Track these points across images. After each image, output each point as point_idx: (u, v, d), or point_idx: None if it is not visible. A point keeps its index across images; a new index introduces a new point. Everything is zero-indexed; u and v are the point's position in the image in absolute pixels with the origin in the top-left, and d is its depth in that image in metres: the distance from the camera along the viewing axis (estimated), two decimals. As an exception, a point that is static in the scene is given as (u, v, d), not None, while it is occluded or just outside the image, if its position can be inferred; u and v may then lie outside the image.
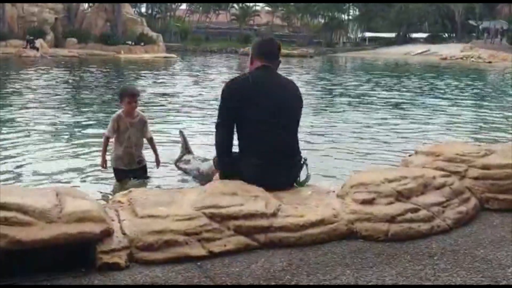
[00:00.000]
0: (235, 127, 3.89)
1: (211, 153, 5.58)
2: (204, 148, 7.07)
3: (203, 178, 5.77)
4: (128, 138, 5.79)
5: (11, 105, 12.90)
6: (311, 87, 20.31)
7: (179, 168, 6.54)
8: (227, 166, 3.95)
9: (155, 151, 6.13)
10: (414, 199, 3.53)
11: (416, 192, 3.59)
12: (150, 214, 3.11)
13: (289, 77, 4.38)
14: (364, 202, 3.43)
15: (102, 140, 5.98)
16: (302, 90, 4.22)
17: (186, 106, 13.57)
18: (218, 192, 3.41)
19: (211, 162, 5.64)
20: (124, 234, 2.97)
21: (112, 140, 5.88)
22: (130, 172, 5.86)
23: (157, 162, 6.16)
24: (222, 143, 3.93)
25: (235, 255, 2.98)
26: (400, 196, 3.51)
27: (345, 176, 4.34)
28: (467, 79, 26.90)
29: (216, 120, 3.94)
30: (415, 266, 2.85)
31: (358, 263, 2.90)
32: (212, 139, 4.07)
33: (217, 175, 4.15)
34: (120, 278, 2.67)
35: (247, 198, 3.33)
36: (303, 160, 4.08)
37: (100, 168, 5.96)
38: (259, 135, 3.83)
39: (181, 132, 7.22)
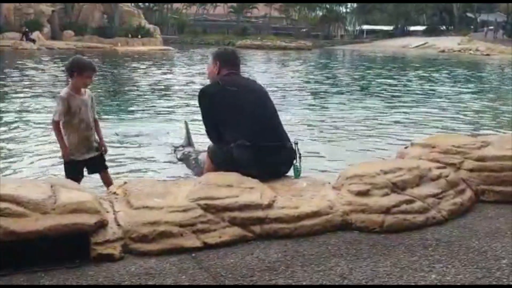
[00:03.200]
0: (221, 127, 4.17)
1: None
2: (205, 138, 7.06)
3: (200, 170, 5.77)
4: (81, 120, 4.69)
5: (7, 98, 12.86)
6: (306, 80, 20.29)
7: (179, 159, 6.53)
8: (221, 153, 4.17)
9: (99, 132, 4.95)
10: (409, 191, 3.53)
11: (411, 183, 3.58)
12: (145, 206, 3.11)
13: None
14: (359, 193, 3.43)
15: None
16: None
17: (184, 97, 13.54)
18: (213, 183, 3.41)
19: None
20: (118, 225, 2.97)
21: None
22: (90, 161, 4.81)
23: (104, 146, 4.95)
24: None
25: (230, 246, 2.98)
26: (395, 187, 3.50)
27: (341, 168, 4.31)
28: (464, 71, 26.88)
29: (205, 129, 4.32)
30: (409, 257, 2.85)
31: (352, 254, 2.90)
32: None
33: (208, 162, 4.34)
34: (115, 269, 2.67)
35: (242, 190, 3.33)
36: (293, 144, 4.14)
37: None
38: (243, 126, 4.08)
39: (185, 123, 7.23)
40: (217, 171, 4.23)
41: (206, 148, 6.31)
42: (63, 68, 5.41)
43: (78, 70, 4.63)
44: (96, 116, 4.94)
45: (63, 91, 4.72)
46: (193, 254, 2.87)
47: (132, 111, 11.51)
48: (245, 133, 4.02)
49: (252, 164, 3.84)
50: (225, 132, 4.14)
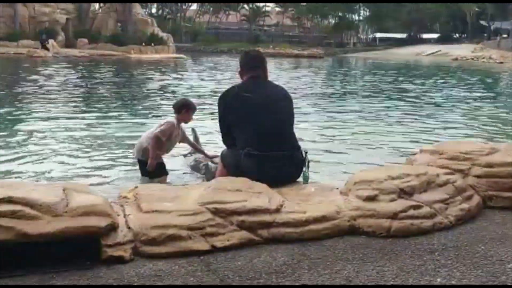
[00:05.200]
0: (233, 133, 4.22)
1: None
2: (215, 146, 7.12)
3: (209, 175, 5.83)
4: (169, 148, 6.05)
5: (23, 104, 13.02)
6: (316, 86, 20.32)
7: (191, 167, 6.58)
8: (231, 158, 4.22)
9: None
10: (416, 196, 3.56)
11: (419, 189, 3.61)
12: (155, 209, 3.17)
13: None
14: (367, 198, 3.46)
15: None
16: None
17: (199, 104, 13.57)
18: (222, 188, 3.46)
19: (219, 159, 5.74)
20: (129, 228, 3.03)
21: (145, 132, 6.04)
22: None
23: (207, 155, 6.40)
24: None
25: (238, 249, 3.03)
26: (403, 193, 3.53)
27: (350, 173, 4.35)
28: (477, 79, 26.79)
29: (221, 138, 4.42)
30: (415, 261, 2.88)
31: (359, 258, 2.94)
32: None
33: (221, 167, 4.44)
34: (125, 271, 2.72)
35: (250, 194, 3.37)
36: (303, 153, 4.16)
37: (107, 165, 6.00)
38: (252, 134, 4.10)
39: (193, 130, 7.28)
40: (228, 175, 4.31)
41: (215, 153, 6.43)
42: (172, 105, 6.26)
43: (181, 107, 5.98)
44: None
45: (172, 120, 5.96)
46: (202, 257, 2.92)
47: (141, 115, 11.60)
48: (253, 141, 4.05)
49: (258, 173, 3.82)
50: (237, 138, 4.19)
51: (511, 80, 27.33)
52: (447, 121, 11.54)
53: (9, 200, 2.81)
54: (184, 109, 5.98)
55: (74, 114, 11.46)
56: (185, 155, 7.00)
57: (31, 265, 2.73)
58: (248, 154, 4.01)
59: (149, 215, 3.13)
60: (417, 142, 8.46)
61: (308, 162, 4.10)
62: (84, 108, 12.86)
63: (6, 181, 3.39)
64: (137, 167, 6.03)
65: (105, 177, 6.02)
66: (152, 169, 5.79)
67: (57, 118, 10.70)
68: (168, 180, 5.91)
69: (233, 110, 4.19)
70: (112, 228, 2.93)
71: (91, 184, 5.16)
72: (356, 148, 7.82)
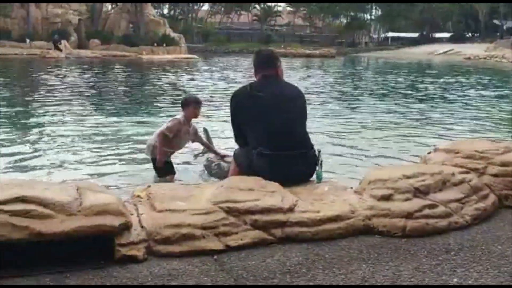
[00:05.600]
0: (246, 132, 4.20)
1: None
2: (226, 145, 7.11)
3: (222, 174, 5.82)
4: (178, 145, 6.08)
5: (36, 104, 13.09)
6: (329, 85, 20.24)
7: (204, 166, 6.57)
8: (244, 158, 4.22)
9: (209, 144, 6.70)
10: (432, 196, 3.52)
11: (434, 188, 3.57)
12: (168, 208, 3.16)
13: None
14: (382, 198, 3.43)
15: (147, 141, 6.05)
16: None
17: (212, 103, 13.57)
18: (235, 187, 3.44)
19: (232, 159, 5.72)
20: (142, 227, 3.02)
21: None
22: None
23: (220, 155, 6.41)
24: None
25: (251, 249, 3.01)
26: (418, 192, 3.50)
27: (364, 170, 4.31)
28: (490, 78, 26.58)
29: (234, 137, 4.41)
30: (431, 261, 2.85)
31: (374, 258, 2.91)
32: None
33: (233, 166, 4.45)
34: (138, 270, 2.72)
35: (264, 193, 3.35)
36: (316, 152, 4.13)
37: (120, 163, 6.01)
38: (264, 133, 4.08)
39: (205, 130, 7.27)
40: (241, 174, 4.29)
41: (227, 153, 6.42)
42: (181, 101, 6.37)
43: (185, 103, 6.05)
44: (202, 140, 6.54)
45: (178, 117, 6.03)
46: (215, 256, 2.91)
47: (153, 114, 11.61)
48: (265, 140, 4.03)
49: (270, 173, 3.79)
50: (248, 137, 4.17)
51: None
52: (461, 120, 11.45)
53: (23, 200, 2.81)
54: (189, 104, 6.02)
55: (87, 115, 11.49)
56: (196, 155, 7.00)
57: (44, 265, 2.73)
58: (260, 154, 3.99)
59: (162, 214, 3.12)
60: (433, 138, 8.39)
61: (321, 161, 4.07)
62: (96, 108, 12.88)
63: (19, 180, 3.39)
64: (150, 165, 6.04)
65: (118, 175, 6.03)
66: (160, 166, 5.83)
67: (70, 118, 10.73)
68: (180, 180, 5.90)
69: (244, 109, 4.18)
70: (126, 227, 2.92)
71: (104, 184, 5.18)
72: (369, 147, 7.75)
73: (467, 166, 4.04)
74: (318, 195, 3.60)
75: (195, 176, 6.16)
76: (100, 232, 2.82)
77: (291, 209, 3.25)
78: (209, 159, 6.59)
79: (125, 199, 3.48)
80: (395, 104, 14.30)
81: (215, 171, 6.14)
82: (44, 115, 11.12)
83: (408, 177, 3.59)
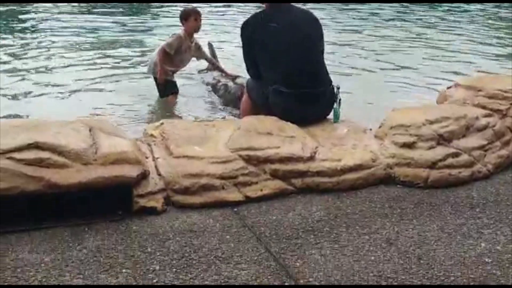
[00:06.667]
0: (260, 65, 3.98)
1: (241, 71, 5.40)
2: (232, 63, 6.84)
3: (229, 97, 5.67)
4: (181, 62, 5.84)
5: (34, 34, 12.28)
6: (341, 13, 18.64)
7: (206, 83, 6.36)
8: (258, 92, 4.07)
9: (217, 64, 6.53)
10: (455, 143, 3.40)
11: (458, 134, 3.45)
12: (185, 155, 3.04)
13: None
14: (405, 145, 3.32)
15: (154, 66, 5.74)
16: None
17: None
18: (252, 129, 3.31)
19: (241, 80, 5.53)
20: (159, 175, 2.93)
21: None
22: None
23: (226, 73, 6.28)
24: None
25: (271, 200, 2.95)
26: (442, 139, 3.38)
27: (382, 111, 4.06)
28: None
29: (246, 68, 4.18)
30: (456, 220, 2.78)
31: (397, 214, 2.84)
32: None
33: (246, 97, 4.31)
34: (158, 224, 2.66)
35: (283, 139, 3.24)
36: (335, 89, 3.96)
37: (123, 91, 5.85)
38: (280, 69, 3.86)
39: (209, 45, 7.00)
40: (254, 107, 4.15)
41: (233, 73, 6.18)
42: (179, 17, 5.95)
43: (184, 16, 5.75)
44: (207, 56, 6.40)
45: (179, 32, 5.79)
46: (235, 209, 2.84)
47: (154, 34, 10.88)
48: (282, 76, 3.83)
49: (287, 112, 3.67)
50: (263, 72, 3.97)
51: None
52: (482, 52, 9.78)
53: (37, 146, 2.69)
54: (189, 17, 5.73)
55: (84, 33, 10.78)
56: (200, 71, 6.77)
57: (60, 216, 2.65)
58: (278, 91, 3.81)
59: (179, 160, 3.02)
60: (450, 71, 7.37)
61: (340, 99, 3.91)
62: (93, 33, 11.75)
63: (29, 121, 3.25)
64: (154, 89, 5.83)
65: (123, 106, 5.59)
66: (161, 83, 5.67)
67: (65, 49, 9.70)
68: (183, 101, 5.71)
69: (258, 43, 3.92)
70: (144, 176, 2.83)
71: (111, 113, 5.01)
72: (386, 80, 6.97)
73: (489, 107, 3.89)
74: (338, 139, 3.49)
75: (200, 98, 5.90)
76: (118, 183, 2.72)
77: (311, 158, 3.15)
78: (215, 77, 6.38)
79: (138, 139, 3.36)
80: (412, 31, 12.00)
81: (222, 92, 5.94)
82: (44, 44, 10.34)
83: (432, 122, 3.45)
